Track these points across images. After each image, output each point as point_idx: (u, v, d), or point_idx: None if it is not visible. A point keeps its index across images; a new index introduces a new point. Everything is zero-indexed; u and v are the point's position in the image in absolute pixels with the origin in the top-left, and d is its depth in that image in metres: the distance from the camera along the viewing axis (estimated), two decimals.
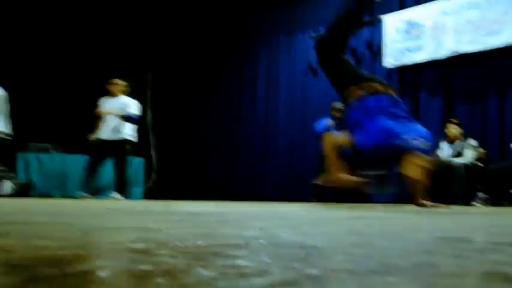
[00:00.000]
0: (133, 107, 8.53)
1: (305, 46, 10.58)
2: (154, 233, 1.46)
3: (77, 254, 0.99)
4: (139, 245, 1.11)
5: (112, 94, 8.50)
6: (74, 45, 11.56)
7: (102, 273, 0.75)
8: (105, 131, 8.27)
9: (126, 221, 2.16)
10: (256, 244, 1.18)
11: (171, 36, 12.28)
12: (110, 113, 8.22)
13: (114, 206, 4.39)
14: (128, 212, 3.04)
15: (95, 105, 8.46)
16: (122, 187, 8.27)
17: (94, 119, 8.30)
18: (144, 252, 1.01)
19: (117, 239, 1.29)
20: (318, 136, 8.77)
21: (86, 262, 0.89)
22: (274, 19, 11.28)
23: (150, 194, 10.29)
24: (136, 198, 9.22)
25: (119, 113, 8.25)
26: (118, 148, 8.30)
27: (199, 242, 1.20)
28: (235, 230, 1.66)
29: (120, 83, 8.52)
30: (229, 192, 10.36)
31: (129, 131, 8.43)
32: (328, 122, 8.68)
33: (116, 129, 8.28)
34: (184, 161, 11.95)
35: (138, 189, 9.57)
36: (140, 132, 12.01)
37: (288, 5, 11.06)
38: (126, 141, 8.35)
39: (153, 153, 12.01)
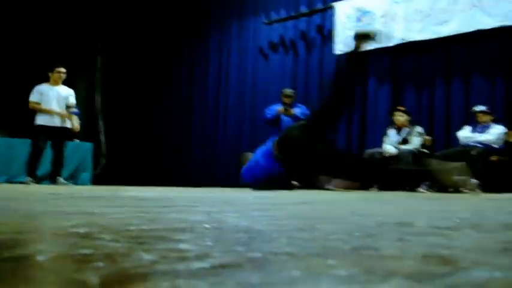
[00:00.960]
0: (73, 96, 8.47)
1: (256, 31, 10.57)
2: (98, 217, 1.44)
3: (16, 238, 0.97)
4: (82, 230, 1.09)
5: (54, 82, 8.37)
6: (20, 27, 11.24)
7: (41, 258, 0.74)
8: (48, 118, 8.17)
9: (71, 206, 2.13)
10: (201, 228, 1.18)
11: (122, 17, 12.06)
12: (50, 111, 8.15)
13: (59, 191, 4.32)
14: (74, 197, 2.99)
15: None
16: (59, 171, 8.23)
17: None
18: (86, 236, 1.00)
19: (60, 223, 1.27)
20: (268, 122, 8.81)
21: (25, 246, 0.87)
22: (226, 3, 11.21)
23: (99, 179, 10.14)
24: (85, 183, 9.08)
25: (62, 106, 8.23)
26: (61, 135, 8.22)
27: (144, 227, 1.19)
28: (182, 214, 1.65)
29: (62, 71, 8.38)
30: (180, 178, 10.29)
31: (76, 120, 8.36)
32: (278, 107, 8.71)
33: (62, 118, 8.21)
34: (135, 146, 11.81)
35: (86, 175, 9.41)
36: (89, 116, 11.85)
37: None
38: (67, 128, 8.27)
39: (102, 138, 11.82)
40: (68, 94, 8.40)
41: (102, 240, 0.93)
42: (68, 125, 8.24)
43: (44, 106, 8.15)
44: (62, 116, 8.19)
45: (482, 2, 7.63)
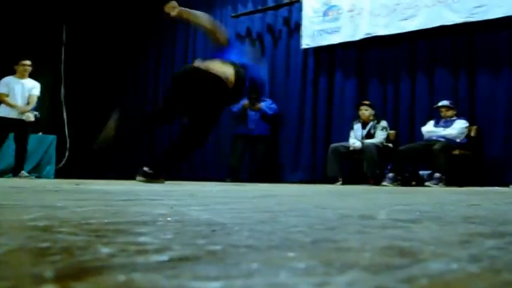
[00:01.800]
0: (37, 89, 8.50)
1: (223, 23, 10.52)
2: (59, 211, 1.42)
3: None
4: (41, 223, 1.08)
5: (20, 75, 8.31)
6: None
7: None
8: (9, 110, 8.09)
9: (32, 199, 2.10)
10: (162, 222, 1.17)
11: (88, 8, 11.90)
12: (15, 106, 8.08)
13: (21, 184, 4.25)
14: (34, 191, 2.94)
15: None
16: (22, 164, 8.15)
17: None
18: (45, 229, 0.99)
19: (19, 216, 1.25)
20: (234, 116, 8.80)
21: None
22: None
23: (63, 172, 10.01)
24: (48, 176, 8.96)
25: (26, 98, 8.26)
26: (21, 127, 8.13)
27: (105, 220, 1.18)
28: (145, 208, 1.64)
29: (27, 64, 8.32)
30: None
31: (31, 112, 8.33)
32: (243, 101, 8.70)
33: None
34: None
35: (50, 168, 9.29)
36: (53, 108, 11.68)
37: None
38: (27, 122, 8.21)
39: (66, 130, 11.67)
40: (32, 87, 8.33)
41: (61, 234, 0.92)
42: (23, 117, 8.19)
43: (9, 98, 8.10)
44: (22, 112, 8.12)
45: None
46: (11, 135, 8.17)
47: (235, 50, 5.71)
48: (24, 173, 8.06)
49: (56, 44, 11.78)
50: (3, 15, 10.92)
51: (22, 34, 10.96)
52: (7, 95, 8.10)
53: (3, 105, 8.13)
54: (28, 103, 8.26)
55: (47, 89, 11.79)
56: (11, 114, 8.09)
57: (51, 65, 11.81)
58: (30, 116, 8.23)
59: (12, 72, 8.34)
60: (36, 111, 8.50)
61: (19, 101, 8.16)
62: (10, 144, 8.25)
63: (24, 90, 8.24)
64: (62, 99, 11.80)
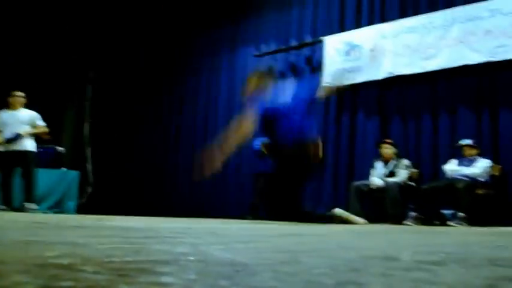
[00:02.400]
0: (39, 118, 8.41)
1: (246, 62, 10.64)
2: (81, 247, 1.43)
3: None
4: (64, 260, 1.08)
5: (12, 107, 8.30)
6: (11, 55, 11.25)
7: None
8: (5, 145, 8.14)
9: (54, 235, 2.11)
10: (184, 261, 1.17)
11: (114, 47, 12.13)
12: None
13: (44, 220, 4.27)
14: (57, 226, 2.96)
15: None
16: (32, 196, 8.08)
17: None
18: (68, 267, 0.99)
19: (41, 253, 1.25)
20: (255, 153, 8.82)
21: (5, 278, 0.86)
22: (217, 34, 11.31)
23: (85, 208, 10.07)
24: (70, 212, 9.00)
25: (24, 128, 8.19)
26: (20, 159, 8.11)
27: (127, 258, 1.18)
28: (166, 246, 1.64)
29: (18, 94, 8.35)
30: (166, 208, 10.24)
31: (28, 142, 8.24)
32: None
33: (15, 141, 8.13)
34: (122, 175, 11.76)
35: (72, 203, 9.35)
36: (76, 144, 11.82)
37: (230, 22, 11.11)
38: (27, 152, 8.15)
39: (88, 166, 11.78)
40: (31, 117, 8.32)
41: (84, 272, 0.92)
42: (28, 147, 8.17)
43: (2, 133, 8.11)
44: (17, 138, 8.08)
45: (468, 38, 7.76)
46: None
47: None
48: (31, 205, 7.98)
49: (81, 81, 11.98)
50: (30, 50, 11.16)
51: (49, 71, 11.18)
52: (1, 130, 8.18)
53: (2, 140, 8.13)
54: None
55: (71, 125, 12.01)
56: (6, 147, 8.10)
57: (76, 102, 12.01)
58: (28, 146, 8.17)
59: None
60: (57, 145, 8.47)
61: (8, 134, 8.13)
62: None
63: (18, 120, 8.20)
64: (86, 135, 11.93)
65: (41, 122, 8.38)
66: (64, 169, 9.50)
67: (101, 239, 1.91)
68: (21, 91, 8.42)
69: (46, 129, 8.40)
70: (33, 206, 8.03)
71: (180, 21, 11.88)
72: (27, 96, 8.49)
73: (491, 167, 7.14)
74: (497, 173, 7.19)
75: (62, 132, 11.77)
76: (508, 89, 7.51)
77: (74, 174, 9.63)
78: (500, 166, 7.26)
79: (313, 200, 9.05)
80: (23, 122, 8.24)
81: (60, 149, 9.54)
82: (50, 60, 11.36)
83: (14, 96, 8.30)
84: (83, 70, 11.96)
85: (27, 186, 8.10)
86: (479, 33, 7.69)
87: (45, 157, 9.40)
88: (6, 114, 8.27)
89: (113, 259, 1.14)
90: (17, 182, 8.15)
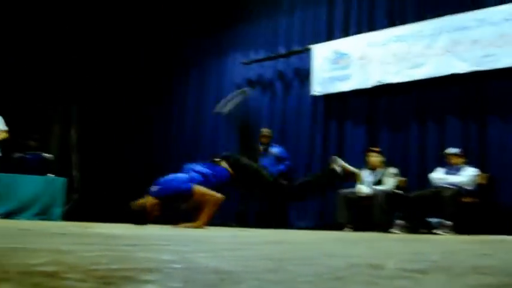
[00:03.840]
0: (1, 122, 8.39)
1: (234, 69, 10.65)
2: (66, 255, 1.42)
3: None
4: (48, 268, 1.08)
5: None
6: None
7: None
8: None
9: (39, 242, 2.09)
10: (170, 268, 1.17)
11: (103, 53, 12.10)
12: None
13: (28, 226, 4.24)
14: (42, 234, 2.94)
15: None
16: None
17: None
18: (52, 275, 0.98)
19: (26, 261, 1.24)
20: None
21: None
22: (205, 42, 11.32)
23: (71, 215, 9.99)
24: (55, 219, 8.92)
25: None
26: None
27: (112, 266, 1.17)
28: (151, 253, 1.64)
29: None
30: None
31: None
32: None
33: None
34: (109, 182, 11.69)
35: (58, 210, 9.25)
36: (63, 151, 11.74)
37: (219, 29, 11.11)
38: None
39: (75, 173, 11.70)
40: None
41: (68, 280, 0.91)
42: None
43: None
44: None
45: (455, 48, 7.82)
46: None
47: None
48: None
49: (69, 86, 11.93)
50: (21, 57, 11.10)
51: (37, 74, 11.12)
52: None
53: None
54: None
55: (57, 131, 11.94)
56: None
57: (63, 108, 11.94)
58: None
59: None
60: None
61: None
62: (16, 185, 8.24)
63: None
64: (73, 141, 11.87)
65: (2, 126, 8.35)
66: (51, 175, 9.42)
67: (86, 246, 1.90)
68: (10, 95, 8.41)
69: (6, 134, 8.37)
70: None
71: (168, 28, 11.88)
72: (16, 101, 8.44)
73: (478, 175, 7.18)
74: (484, 182, 7.24)
75: (48, 139, 11.71)
76: (495, 98, 7.56)
77: (60, 180, 9.55)
78: (487, 174, 7.30)
79: (299, 209, 9.06)
80: None
81: (46, 155, 9.45)
82: (38, 62, 11.31)
83: None
84: (71, 74, 11.91)
85: None
86: (467, 43, 7.75)
87: (32, 163, 9.34)
88: None
89: (98, 267, 1.13)
90: None
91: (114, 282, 0.91)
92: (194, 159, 10.86)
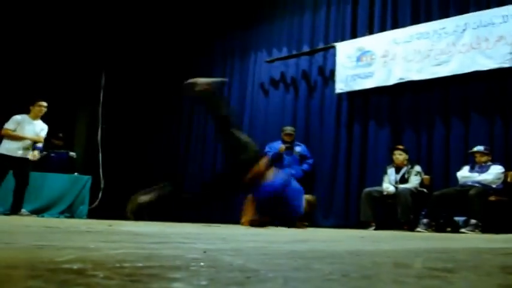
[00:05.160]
0: (45, 131, 8.47)
1: (258, 67, 10.64)
2: (92, 252, 1.43)
3: (9, 274, 0.95)
4: (75, 265, 1.08)
5: (34, 116, 8.33)
6: (22, 59, 11.31)
7: None
8: (13, 149, 8.09)
9: (65, 240, 2.11)
10: (195, 266, 1.16)
11: (127, 53, 12.16)
12: (23, 137, 8.11)
13: (54, 224, 4.29)
14: (68, 231, 2.96)
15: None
16: (22, 202, 8.05)
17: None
18: (79, 272, 0.99)
19: (53, 258, 1.25)
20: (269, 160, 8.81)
21: (16, 283, 0.86)
22: (229, 40, 11.33)
23: (96, 212, 10.08)
24: (81, 216, 9.03)
25: (34, 139, 8.23)
26: (22, 164, 8.09)
27: (138, 264, 1.18)
28: (177, 251, 1.64)
29: (43, 105, 8.35)
30: (177, 214, 10.22)
31: (38, 151, 8.31)
32: (279, 145, 8.75)
33: (25, 149, 8.13)
34: (133, 181, 11.77)
35: (84, 208, 9.37)
36: (89, 150, 11.85)
37: (242, 27, 11.12)
38: (29, 160, 8.17)
39: (101, 171, 11.80)
40: (41, 129, 8.37)
41: (95, 278, 0.92)
42: (28, 156, 8.15)
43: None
44: (28, 147, 8.10)
45: (480, 45, 7.72)
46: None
47: None
48: (25, 211, 8.03)
49: (94, 87, 12.03)
50: (42, 54, 11.21)
51: (62, 76, 11.23)
52: (14, 132, 8.14)
53: (5, 142, 8.12)
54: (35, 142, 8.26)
55: (84, 131, 12.05)
56: (13, 152, 8.06)
57: (89, 108, 12.06)
58: (36, 155, 8.19)
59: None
60: (43, 151, 8.50)
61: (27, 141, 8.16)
62: (42, 183, 8.32)
63: (35, 131, 8.25)
64: (99, 141, 11.97)
65: (44, 134, 8.45)
66: (76, 174, 9.53)
67: (112, 244, 1.91)
68: (37, 96, 8.46)
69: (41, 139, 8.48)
70: (26, 211, 8.14)
71: (193, 27, 11.90)
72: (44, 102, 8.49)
73: (504, 173, 7.08)
74: (510, 180, 7.13)
75: (74, 137, 11.83)
76: None
77: (85, 178, 9.66)
78: None
79: (325, 207, 9.03)
80: (37, 134, 8.32)
81: (72, 153, 9.56)
82: (62, 65, 11.42)
83: (40, 106, 8.33)
84: (95, 75, 12.01)
85: (22, 190, 8.06)
86: (492, 39, 7.65)
87: (58, 162, 9.46)
88: (26, 120, 8.29)
89: (124, 264, 1.14)
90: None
91: (141, 280, 0.91)
92: (215, 156, 10.94)
